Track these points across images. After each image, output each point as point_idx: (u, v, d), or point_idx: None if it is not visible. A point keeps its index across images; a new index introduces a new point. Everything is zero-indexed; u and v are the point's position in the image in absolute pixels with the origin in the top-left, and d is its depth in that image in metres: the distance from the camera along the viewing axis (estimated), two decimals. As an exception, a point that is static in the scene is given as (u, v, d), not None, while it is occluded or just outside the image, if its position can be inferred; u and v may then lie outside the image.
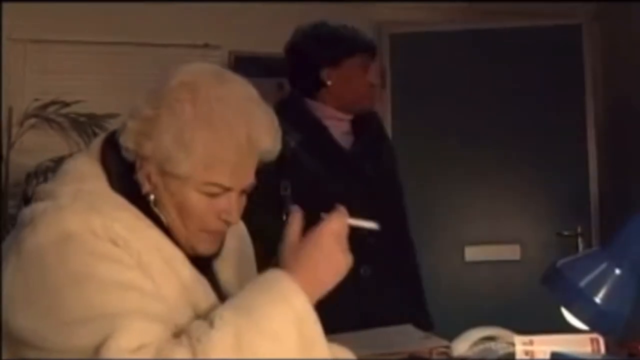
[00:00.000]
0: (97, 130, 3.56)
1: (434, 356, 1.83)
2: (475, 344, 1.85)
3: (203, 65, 1.47)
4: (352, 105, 2.65)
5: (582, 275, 1.29)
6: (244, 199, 1.41)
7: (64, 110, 3.64)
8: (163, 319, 1.24)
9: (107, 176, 1.37)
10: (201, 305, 1.33)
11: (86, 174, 1.38)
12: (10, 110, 3.71)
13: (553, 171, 4.21)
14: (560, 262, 1.33)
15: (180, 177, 1.32)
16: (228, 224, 1.38)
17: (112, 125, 3.37)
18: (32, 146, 3.66)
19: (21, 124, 3.62)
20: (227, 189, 1.34)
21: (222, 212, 1.35)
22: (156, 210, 1.35)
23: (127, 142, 1.35)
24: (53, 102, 3.64)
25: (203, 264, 1.42)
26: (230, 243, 1.50)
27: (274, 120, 1.39)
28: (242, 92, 1.39)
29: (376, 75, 2.70)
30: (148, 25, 3.89)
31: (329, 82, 2.62)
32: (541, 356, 1.67)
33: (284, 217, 2.44)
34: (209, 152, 1.30)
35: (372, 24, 4.24)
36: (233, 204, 1.36)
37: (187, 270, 1.35)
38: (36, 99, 3.64)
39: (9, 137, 3.61)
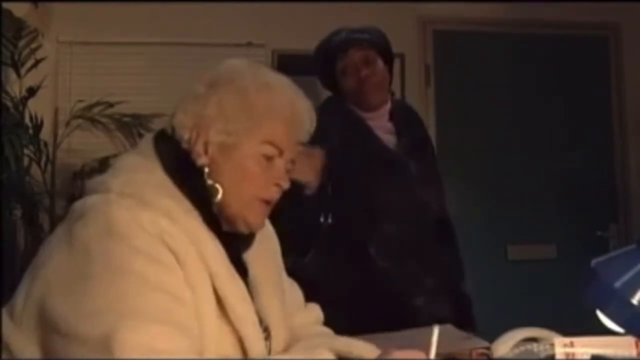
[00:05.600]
0: (141, 130, 3.60)
1: (474, 357, 1.80)
2: (517, 345, 1.81)
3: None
4: (362, 104, 2.63)
5: (618, 275, 1.25)
6: (290, 169, 1.49)
7: (109, 111, 3.69)
8: (188, 328, 1.25)
9: (160, 163, 1.42)
10: (230, 300, 1.36)
11: (137, 165, 1.44)
12: (56, 111, 3.77)
13: (588, 170, 4.33)
14: (594, 262, 1.28)
15: (240, 140, 1.41)
16: (280, 189, 1.46)
17: (156, 125, 3.40)
18: (78, 147, 3.72)
19: (67, 124, 3.66)
20: (280, 151, 1.44)
21: (275, 177, 1.45)
22: (210, 182, 1.41)
23: (183, 119, 1.43)
24: (98, 103, 3.68)
25: (236, 258, 1.45)
26: (260, 240, 1.54)
27: (310, 104, 1.51)
28: (283, 77, 1.52)
29: (354, 67, 2.64)
30: (192, 25, 3.91)
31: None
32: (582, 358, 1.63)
33: (323, 219, 2.45)
34: (267, 108, 1.42)
35: (416, 21, 4.23)
36: (284, 169, 1.46)
37: (222, 268, 1.37)
38: (80, 100, 3.69)
39: (55, 137, 3.66)
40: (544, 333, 1.83)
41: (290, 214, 2.50)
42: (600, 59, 4.47)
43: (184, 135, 1.43)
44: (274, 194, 1.46)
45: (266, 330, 1.49)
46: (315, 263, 2.47)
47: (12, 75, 3.55)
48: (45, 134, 3.60)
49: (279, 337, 1.52)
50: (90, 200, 1.35)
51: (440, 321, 2.07)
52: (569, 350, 1.65)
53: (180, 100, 1.46)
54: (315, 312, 1.82)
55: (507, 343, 1.81)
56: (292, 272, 2.14)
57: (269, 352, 1.47)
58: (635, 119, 4.41)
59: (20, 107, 3.47)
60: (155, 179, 1.39)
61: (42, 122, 3.53)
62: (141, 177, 1.39)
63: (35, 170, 3.50)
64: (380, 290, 2.46)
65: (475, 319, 2.63)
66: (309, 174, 2.32)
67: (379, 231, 2.48)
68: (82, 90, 3.79)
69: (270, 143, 1.43)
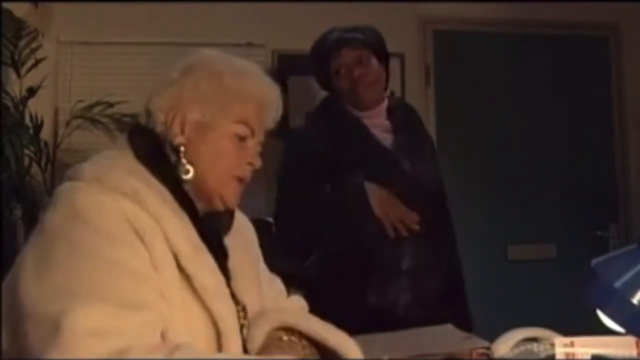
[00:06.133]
0: (141, 130, 3.59)
1: (474, 357, 1.80)
2: (517, 345, 1.81)
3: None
4: (357, 103, 2.63)
5: (618, 275, 1.25)
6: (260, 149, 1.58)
7: (109, 111, 3.68)
8: (146, 305, 1.27)
9: (133, 151, 1.47)
10: (196, 276, 1.38)
11: (110, 154, 1.50)
12: (56, 111, 3.77)
13: (588, 170, 4.34)
14: (594, 262, 1.28)
15: (215, 120, 1.48)
16: (252, 167, 1.54)
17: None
18: (78, 146, 3.71)
19: (67, 124, 3.66)
20: (252, 132, 1.52)
21: (248, 156, 1.52)
22: (184, 162, 1.46)
23: (158, 102, 1.48)
24: (98, 103, 3.68)
25: (216, 241, 1.51)
26: (238, 230, 1.62)
27: (279, 92, 1.60)
28: (254, 65, 1.60)
29: (347, 67, 2.65)
30: (192, 26, 3.91)
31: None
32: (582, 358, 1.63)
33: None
34: (240, 91, 1.50)
35: (416, 21, 4.23)
36: (255, 149, 1.54)
37: (187, 246, 1.39)
38: (80, 100, 3.69)
39: (56, 137, 3.66)
40: (544, 333, 1.83)
41: (292, 217, 2.52)
42: (601, 58, 4.47)
43: (160, 117, 1.48)
44: (247, 172, 1.54)
45: (244, 310, 1.52)
46: (317, 267, 2.48)
47: (13, 75, 3.54)
48: (46, 134, 3.60)
49: (259, 330, 1.54)
50: (60, 188, 1.39)
51: (437, 321, 2.10)
52: (569, 350, 1.65)
53: (154, 86, 1.51)
54: (298, 302, 1.85)
55: (507, 343, 1.81)
56: (293, 276, 2.15)
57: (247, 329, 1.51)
58: (635, 119, 4.41)
59: (21, 107, 3.46)
60: (125, 164, 1.44)
61: (42, 122, 3.53)
62: (111, 162, 1.44)
63: (35, 170, 3.50)
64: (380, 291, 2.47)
65: (475, 319, 2.63)
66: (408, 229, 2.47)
67: (375, 231, 2.48)
68: (82, 90, 3.79)
69: (244, 123, 1.51)
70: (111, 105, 3.67)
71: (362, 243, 2.47)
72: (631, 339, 1.63)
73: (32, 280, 1.26)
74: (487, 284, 3.90)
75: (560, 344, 1.68)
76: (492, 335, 1.85)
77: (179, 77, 1.50)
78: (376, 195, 2.47)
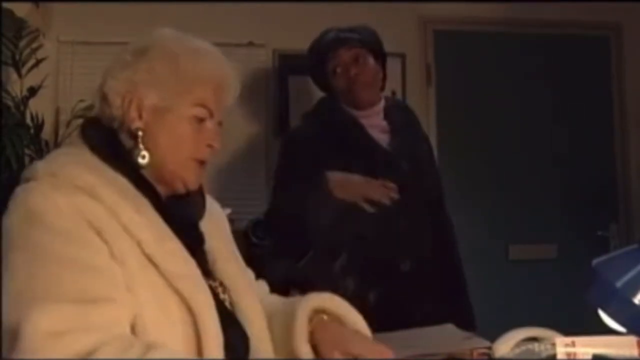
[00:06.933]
0: (142, 130, 3.59)
1: (475, 357, 1.80)
2: (518, 345, 1.81)
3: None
4: (354, 103, 2.63)
5: (619, 275, 1.24)
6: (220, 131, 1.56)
7: (110, 111, 3.68)
8: (108, 300, 1.26)
9: (87, 144, 1.45)
10: (159, 261, 1.36)
11: (64, 151, 1.52)
12: (57, 111, 3.77)
13: (588, 170, 4.34)
14: (595, 262, 1.28)
15: (173, 103, 1.46)
16: (212, 150, 1.52)
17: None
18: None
19: (68, 124, 3.66)
20: (210, 113, 1.50)
21: (207, 138, 1.50)
22: (141, 147, 1.45)
23: (114, 84, 1.46)
24: (99, 103, 3.67)
25: (189, 224, 1.52)
26: (210, 216, 1.62)
27: (236, 71, 1.55)
28: (210, 45, 1.56)
29: (344, 67, 2.65)
30: (192, 26, 3.86)
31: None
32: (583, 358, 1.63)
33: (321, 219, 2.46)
34: (196, 73, 1.47)
35: (417, 20, 4.23)
36: (214, 130, 1.52)
37: (147, 233, 1.37)
38: (81, 100, 3.68)
39: (56, 137, 3.66)
40: (545, 333, 1.83)
41: (288, 217, 2.52)
42: (601, 58, 4.47)
43: (116, 100, 1.46)
44: (207, 155, 1.52)
45: (222, 285, 1.53)
46: (311, 267, 2.48)
47: (13, 75, 3.54)
48: (47, 133, 3.59)
49: (249, 300, 1.57)
50: (15, 191, 1.37)
51: (437, 322, 2.10)
52: (570, 350, 1.65)
53: (106, 69, 1.49)
54: (264, 286, 1.85)
55: (508, 343, 1.80)
56: (287, 276, 2.15)
57: (231, 305, 1.53)
58: (636, 119, 4.41)
59: (22, 107, 3.46)
60: (79, 158, 1.42)
61: (43, 122, 3.53)
62: (65, 158, 1.43)
63: (36, 170, 3.50)
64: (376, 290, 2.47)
65: (476, 319, 2.63)
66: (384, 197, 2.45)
67: (373, 230, 2.49)
68: (83, 90, 3.77)
69: (201, 105, 1.49)
70: (112, 105, 3.67)
71: (359, 243, 2.47)
72: (632, 339, 1.63)
73: None
74: (487, 284, 3.90)
75: (562, 344, 1.67)
76: (493, 335, 1.85)
77: (132, 59, 1.47)
78: (335, 180, 2.48)
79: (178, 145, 1.48)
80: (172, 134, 1.47)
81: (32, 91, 3.45)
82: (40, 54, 3.55)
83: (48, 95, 3.69)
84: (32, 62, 3.52)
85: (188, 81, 1.47)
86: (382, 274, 2.48)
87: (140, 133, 1.45)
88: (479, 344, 1.85)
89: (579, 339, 1.66)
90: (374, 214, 2.47)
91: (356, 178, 2.48)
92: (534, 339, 1.82)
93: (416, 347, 1.83)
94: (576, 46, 4.42)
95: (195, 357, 1.34)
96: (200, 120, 1.49)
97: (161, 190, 1.48)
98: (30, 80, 3.50)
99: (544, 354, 1.76)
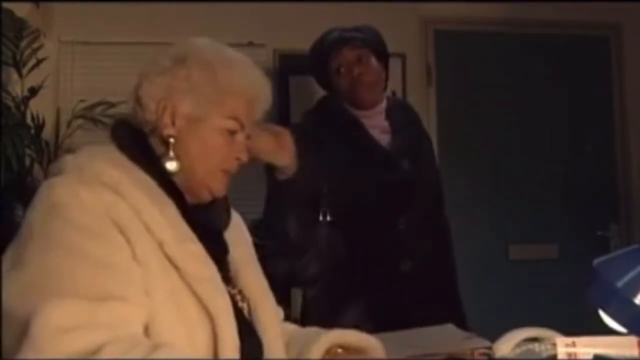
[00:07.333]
0: (143, 130, 3.59)
1: (476, 357, 1.80)
2: (518, 345, 1.81)
3: None
4: (357, 103, 2.63)
5: (620, 275, 1.24)
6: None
7: (111, 111, 3.68)
8: (122, 297, 1.25)
9: (116, 143, 1.46)
10: (180, 263, 1.37)
11: (93, 148, 1.49)
12: (58, 111, 3.77)
13: (589, 170, 4.35)
14: (596, 262, 1.28)
15: (207, 114, 1.47)
16: (239, 162, 1.53)
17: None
18: (80, 146, 3.69)
19: (69, 124, 3.66)
20: (242, 126, 1.51)
21: (236, 150, 1.51)
22: (171, 154, 1.45)
23: (149, 89, 1.46)
24: (99, 103, 3.68)
25: (215, 233, 1.53)
26: (234, 227, 1.63)
27: (269, 84, 1.58)
28: (245, 56, 1.57)
29: (348, 66, 2.64)
30: (193, 26, 3.90)
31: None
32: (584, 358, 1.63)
33: (322, 218, 2.45)
34: (231, 85, 1.48)
35: (417, 20, 4.23)
36: (243, 143, 1.53)
37: (168, 234, 1.37)
38: (81, 100, 3.69)
39: (57, 137, 3.66)
40: (545, 333, 1.83)
41: (288, 216, 2.52)
42: (601, 58, 4.47)
43: (151, 105, 1.46)
44: (234, 166, 1.53)
45: (241, 293, 1.53)
46: (312, 265, 2.48)
47: (14, 75, 3.54)
48: (47, 134, 3.60)
49: (267, 309, 1.57)
50: (42, 184, 1.38)
51: (437, 322, 2.10)
52: (571, 350, 1.65)
53: (143, 72, 1.49)
54: (280, 312, 1.83)
55: (508, 343, 1.81)
56: (289, 274, 2.14)
57: (249, 314, 1.53)
58: (637, 119, 4.41)
59: (22, 107, 3.46)
60: (107, 155, 1.42)
61: (43, 122, 3.53)
62: (94, 154, 1.43)
63: (37, 170, 3.50)
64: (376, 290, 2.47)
65: (476, 319, 2.62)
66: (284, 156, 2.10)
67: (373, 230, 2.49)
68: (83, 90, 3.79)
69: (234, 118, 1.50)
70: (113, 105, 3.66)
71: (359, 242, 2.47)
72: (633, 339, 1.63)
73: (9, 278, 1.25)
74: (488, 284, 3.91)
75: (562, 344, 1.68)
76: (493, 335, 1.85)
77: (170, 65, 1.47)
78: None
79: (208, 155, 1.49)
80: (203, 144, 1.48)
81: (33, 91, 3.45)
82: (40, 54, 3.55)
83: (49, 95, 3.69)
84: (32, 62, 3.52)
85: (223, 93, 1.48)
86: (382, 274, 2.48)
87: (171, 140, 1.46)
88: (479, 344, 1.85)
89: (579, 339, 1.67)
90: (373, 214, 2.47)
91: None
92: (534, 339, 1.83)
93: (416, 347, 1.83)
94: (576, 46, 4.42)
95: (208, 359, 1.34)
96: (232, 132, 1.50)
97: (187, 198, 1.48)
98: (31, 80, 3.51)
99: (544, 354, 1.76)
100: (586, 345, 1.64)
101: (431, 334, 2.01)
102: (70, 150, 3.62)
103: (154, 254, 1.34)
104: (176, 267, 1.36)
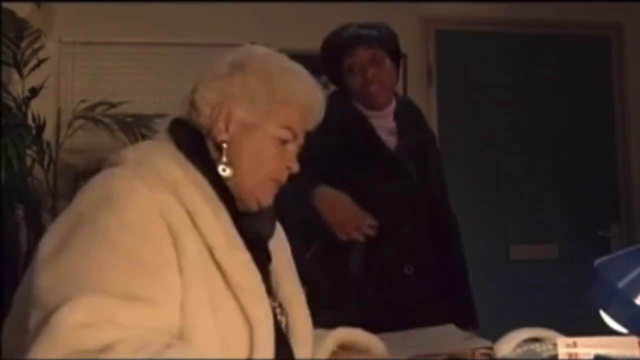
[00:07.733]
0: (144, 130, 3.60)
1: (476, 357, 1.80)
2: (519, 345, 1.81)
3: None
4: (368, 104, 2.61)
5: (621, 275, 1.24)
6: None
7: (111, 111, 3.69)
8: (160, 305, 1.23)
9: (174, 141, 1.46)
10: (228, 270, 1.36)
11: (151, 143, 1.52)
12: (59, 111, 3.78)
13: (589, 170, 4.35)
14: (597, 262, 1.28)
15: (261, 122, 1.46)
16: (290, 171, 1.53)
17: (158, 125, 3.40)
18: (81, 147, 3.72)
19: (69, 125, 3.66)
20: (295, 136, 1.50)
21: (288, 160, 1.51)
22: (224, 160, 1.45)
23: (205, 94, 1.46)
24: (100, 103, 3.68)
25: (260, 242, 1.52)
26: (277, 238, 1.62)
27: (324, 95, 1.57)
28: (302, 67, 1.57)
29: (361, 67, 2.62)
30: (194, 26, 3.92)
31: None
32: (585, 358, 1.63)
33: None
34: (288, 94, 1.48)
35: (418, 20, 4.23)
36: (294, 153, 1.53)
37: (220, 239, 1.37)
38: (82, 100, 3.69)
39: (58, 138, 3.67)
40: (546, 333, 1.83)
41: (292, 210, 2.51)
42: (602, 58, 4.47)
43: (206, 110, 1.46)
44: (285, 176, 1.53)
45: (281, 307, 1.53)
46: (316, 260, 2.47)
47: (15, 75, 3.55)
48: (48, 134, 3.60)
49: (304, 326, 1.57)
50: (98, 174, 1.37)
51: (439, 322, 2.10)
52: (572, 350, 1.65)
53: (200, 77, 1.49)
54: None
55: (509, 343, 1.81)
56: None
57: (286, 328, 1.52)
58: (637, 119, 4.41)
59: (23, 108, 3.47)
60: (166, 151, 1.43)
61: (44, 123, 3.53)
62: (154, 149, 1.44)
63: (37, 170, 3.50)
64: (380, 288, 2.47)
65: (478, 319, 2.62)
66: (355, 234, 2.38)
67: (378, 234, 2.48)
68: (84, 91, 3.79)
69: (288, 128, 1.49)
70: (113, 105, 3.68)
71: (362, 245, 2.47)
72: (634, 339, 1.63)
73: (50, 260, 1.23)
74: (489, 284, 3.89)
75: (563, 344, 1.67)
76: (494, 335, 1.85)
77: (228, 72, 1.47)
78: (322, 196, 2.41)
79: (260, 163, 1.48)
80: (256, 151, 1.48)
81: (34, 92, 3.46)
82: (41, 55, 3.55)
83: (49, 95, 3.70)
84: (33, 62, 3.53)
85: (278, 102, 1.47)
86: (387, 276, 2.47)
87: (225, 145, 1.45)
88: (480, 344, 1.85)
89: (580, 340, 1.66)
90: (379, 218, 2.45)
91: (343, 202, 2.42)
92: (535, 340, 1.82)
93: (417, 347, 1.83)
94: (576, 46, 4.42)
95: None
96: (284, 142, 1.50)
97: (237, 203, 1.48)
98: (32, 80, 3.51)
99: (545, 355, 1.76)
100: (587, 346, 1.64)
101: (432, 334, 2.01)
102: (71, 151, 3.67)
103: (202, 258, 1.33)
104: (223, 273, 1.35)
